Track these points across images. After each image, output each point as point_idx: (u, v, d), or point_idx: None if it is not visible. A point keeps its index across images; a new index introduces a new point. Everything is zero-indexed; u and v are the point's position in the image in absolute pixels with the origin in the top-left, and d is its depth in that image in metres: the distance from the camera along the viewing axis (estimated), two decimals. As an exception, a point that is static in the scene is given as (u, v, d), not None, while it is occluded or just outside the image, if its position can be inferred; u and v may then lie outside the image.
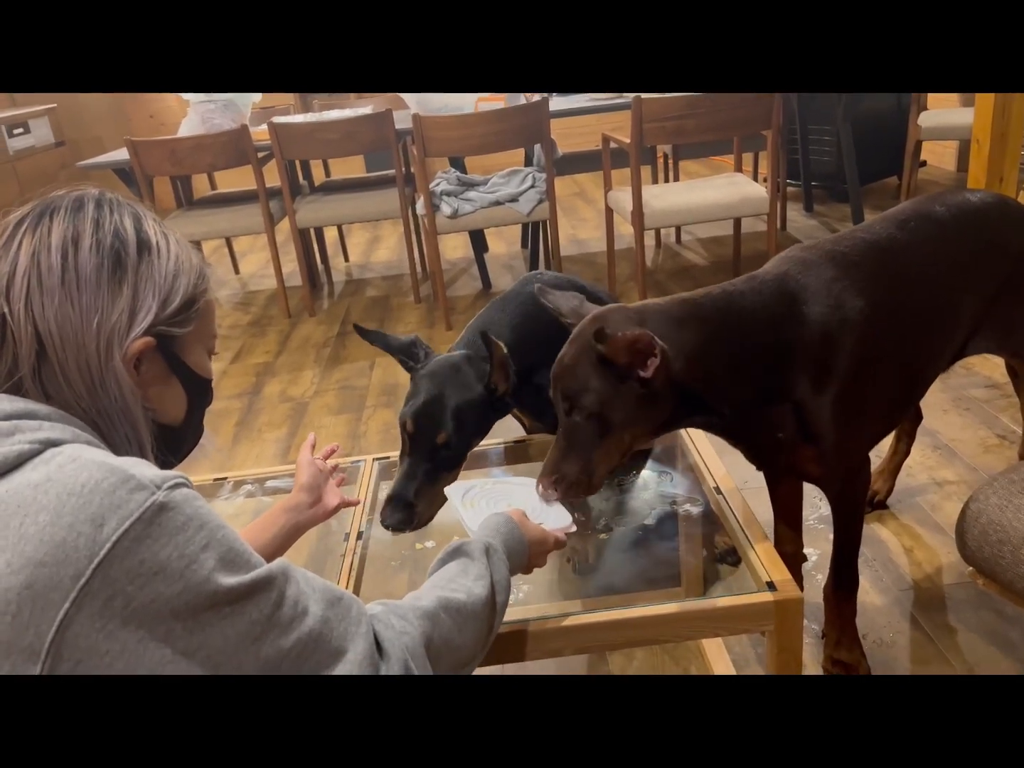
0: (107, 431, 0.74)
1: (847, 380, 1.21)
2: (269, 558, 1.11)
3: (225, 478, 1.47)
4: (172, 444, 0.83)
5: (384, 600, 0.80)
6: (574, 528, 1.09)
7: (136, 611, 0.61)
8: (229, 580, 0.65)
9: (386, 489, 1.44)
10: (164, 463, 0.78)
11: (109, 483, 0.62)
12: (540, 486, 1.09)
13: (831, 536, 1.82)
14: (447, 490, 1.16)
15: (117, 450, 0.73)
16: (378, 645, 0.73)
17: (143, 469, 0.65)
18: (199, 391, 0.85)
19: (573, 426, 1.09)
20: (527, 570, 1.01)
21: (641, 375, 1.05)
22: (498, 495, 1.14)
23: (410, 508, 1.20)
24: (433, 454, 1.23)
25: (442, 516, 1.42)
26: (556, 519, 1.09)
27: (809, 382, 1.19)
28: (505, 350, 1.25)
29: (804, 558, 1.64)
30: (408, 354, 1.36)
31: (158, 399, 0.80)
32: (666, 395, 1.09)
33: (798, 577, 1.59)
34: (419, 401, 1.25)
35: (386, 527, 1.20)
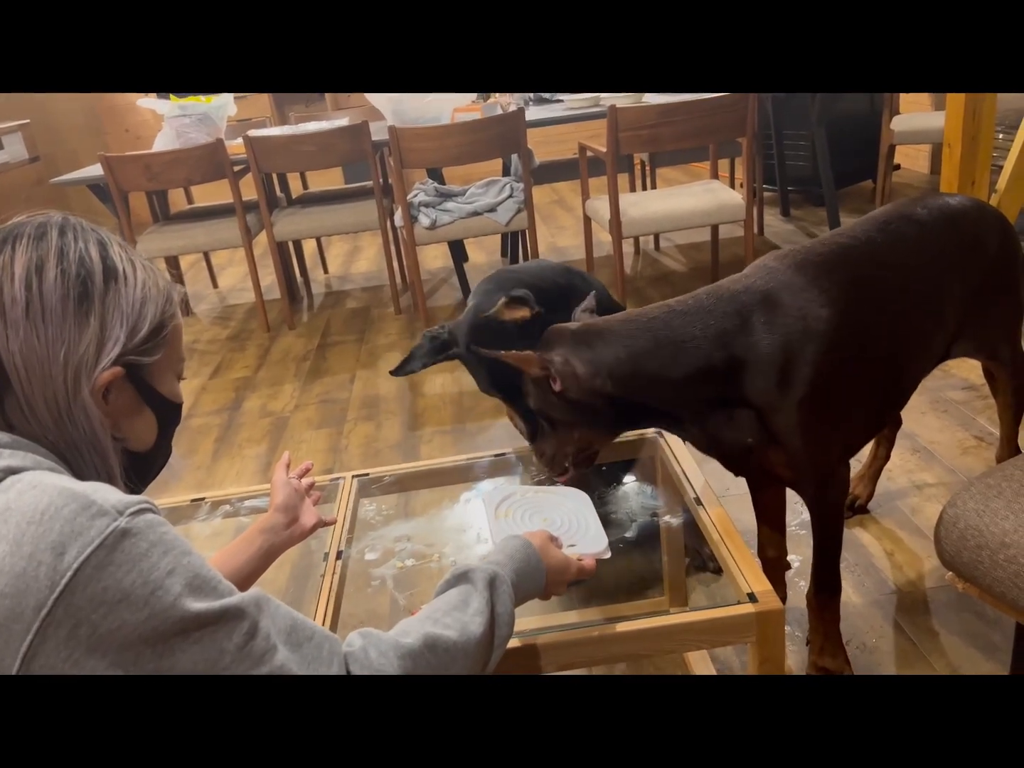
0: (75, 462, 0.73)
1: (811, 386, 1.22)
2: (246, 580, 1.11)
3: (203, 499, 1.46)
4: (141, 470, 0.81)
5: (367, 631, 0.78)
6: (608, 554, 1.05)
7: (102, 638, 0.60)
8: (197, 605, 0.63)
9: (366, 505, 1.44)
10: (132, 490, 0.77)
11: (70, 510, 0.61)
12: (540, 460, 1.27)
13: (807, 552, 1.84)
14: (483, 499, 1.15)
15: (85, 480, 0.71)
16: None
17: (106, 494, 0.64)
18: (169, 416, 0.84)
19: (552, 428, 1.26)
20: (544, 597, 0.98)
21: (554, 389, 1.18)
22: (534, 507, 1.12)
23: None
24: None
25: (425, 533, 1.41)
26: (590, 542, 1.05)
27: (772, 389, 1.21)
28: (503, 299, 1.43)
29: (788, 565, 1.64)
30: (442, 350, 1.50)
31: (128, 428, 0.79)
32: (599, 405, 1.21)
33: (781, 583, 1.59)
34: (484, 373, 1.44)
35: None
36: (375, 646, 0.74)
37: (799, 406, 1.22)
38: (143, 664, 0.62)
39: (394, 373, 1.53)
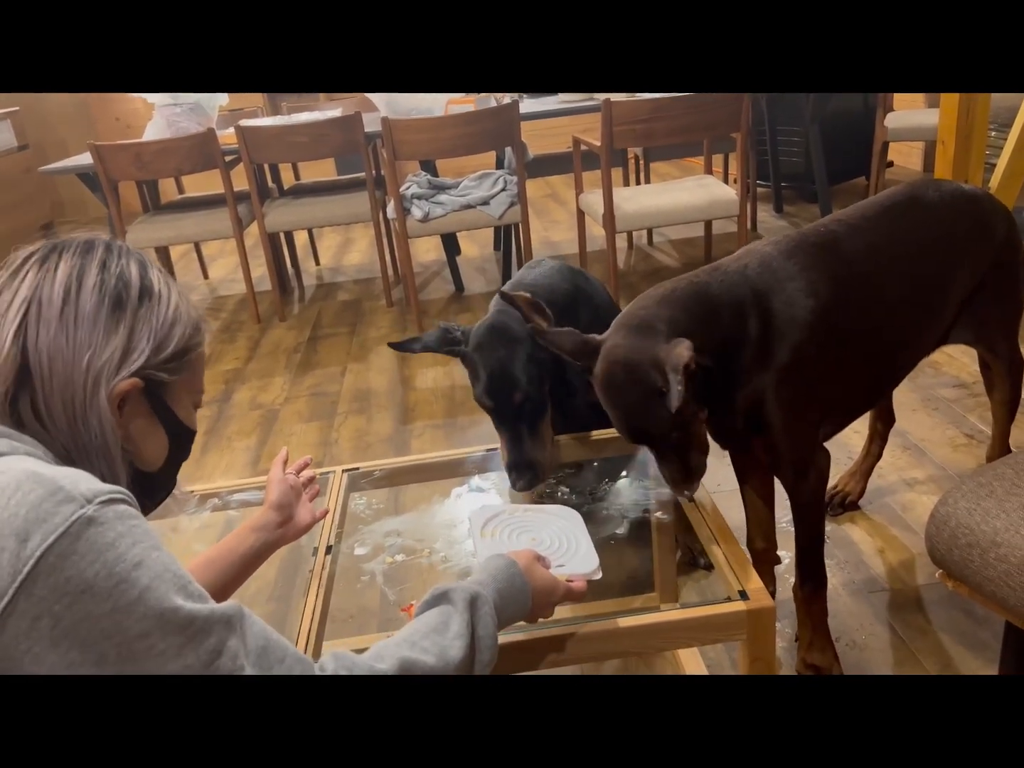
0: (83, 467, 0.72)
1: (790, 371, 1.26)
2: (236, 579, 1.10)
3: (192, 492, 1.44)
4: (146, 491, 0.81)
5: (340, 653, 0.75)
6: (599, 575, 1.00)
7: (65, 632, 0.58)
8: (165, 604, 0.61)
9: (356, 500, 1.43)
10: (141, 506, 0.76)
11: (36, 495, 0.60)
12: (681, 491, 1.21)
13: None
14: (470, 517, 1.11)
15: None
16: None
17: (76, 481, 0.63)
18: (181, 440, 0.85)
19: (671, 448, 1.18)
20: (531, 619, 0.94)
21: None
22: (522, 526, 1.07)
23: (532, 467, 1.32)
24: (520, 414, 1.33)
25: (416, 528, 1.40)
26: (581, 562, 1.01)
27: (757, 372, 1.25)
28: (528, 295, 1.34)
29: (777, 559, 1.64)
30: (449, 343, 1.44)
31: (140, 442, 0.80)
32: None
33: (770, 576, 1.60)
34: (483, 378, 1.36)
35: (520, 489, 1.31)
36: (348, 670, 0.72)
37: (778, 388, 1.26)
38: (105, 667, 0.60)
39: (393, 346, 1.50)
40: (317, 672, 0.71)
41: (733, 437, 1.37)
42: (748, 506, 1.56)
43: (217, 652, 0.64)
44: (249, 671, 0.66)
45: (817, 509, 1.41)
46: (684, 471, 1.20)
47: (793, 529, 1.86)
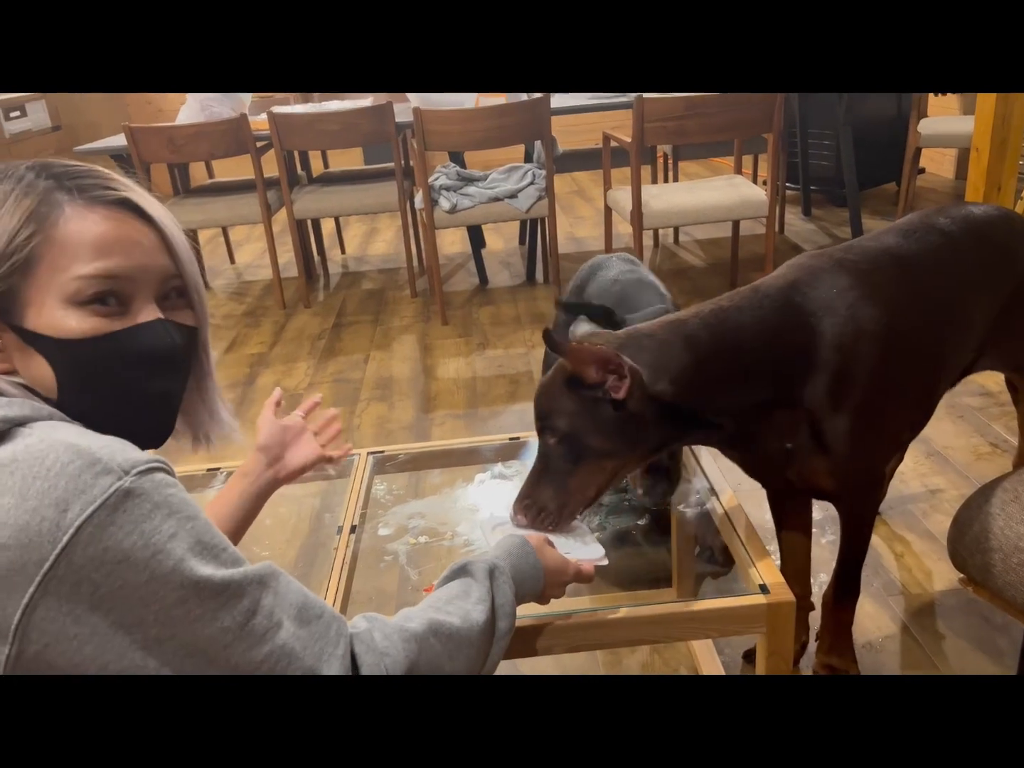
0: None
1: (866, 391, 1.17)
2: (235, 531, 1.09)
3: (218, 468, 1.47)
4: (108, 424, 0.71)
5: (371, 615, 0.77)
6: (605, 561, 1.03)
7: (104, 597, 0.60)
8: (199, 573, 0.63)
9: (380, 483, 1.44)
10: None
11: (75, 467, 0.61)
12: (512, 510, 1.08)
13: (821, 541, 1.84)
14: (480, 525, 1.12)
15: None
16: (356, 668, 0.71)
17: (114, 452, 0.63)
18: (60, 355, 0.71)
19: (548, 450, 1.08)
20: (543, 600, 0.96)
21: (614, 397, 1.04)
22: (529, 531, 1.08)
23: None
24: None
25: (439, 511, 1.42)
26: (588, 552, 1.03)
27: (825, 393, 1.16)
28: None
29: (812, 606, 1.55)
30: (612, 322, 1.40)
31: (25, 366, 0.73)
32: (651, 417, 1.07)
33: (804, 624, 1.53)
34: None
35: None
36: (380, 629, 0.74)
37: (853, 411, 1.17)
38: (145, 628, 0.61)
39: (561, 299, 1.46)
40: (350, 630, 0.73)
41: (775, 469, 1.26)
42: (786, 552, 1.49)
43: (252, 612, 0.65)
44: (287, 625, 0.67)
45: (869, 528, 1.37)
46: (536, 497, 1.06)
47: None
